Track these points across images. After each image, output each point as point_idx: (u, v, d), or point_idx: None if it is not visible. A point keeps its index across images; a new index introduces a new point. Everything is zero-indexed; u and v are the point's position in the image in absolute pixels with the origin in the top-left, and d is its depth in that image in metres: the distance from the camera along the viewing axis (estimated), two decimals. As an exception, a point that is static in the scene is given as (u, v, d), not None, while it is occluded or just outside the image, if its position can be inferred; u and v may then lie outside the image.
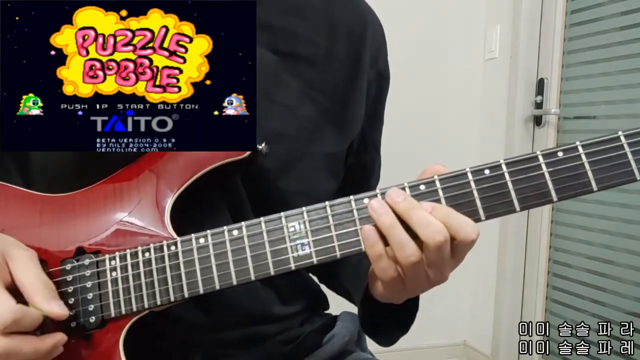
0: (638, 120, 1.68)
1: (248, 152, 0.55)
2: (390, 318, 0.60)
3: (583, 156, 0.49)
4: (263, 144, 0.55)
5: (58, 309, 0.49)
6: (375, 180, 0.77)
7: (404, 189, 0.50)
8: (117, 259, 0.53)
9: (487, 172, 0.50)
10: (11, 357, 0.46)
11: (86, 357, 0.52)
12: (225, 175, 0.58)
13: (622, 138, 0.49)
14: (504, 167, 0.49)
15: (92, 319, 0.52)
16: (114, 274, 0.53)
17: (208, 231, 0.52)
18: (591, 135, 0.50)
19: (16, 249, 0.51)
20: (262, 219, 0.51)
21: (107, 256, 0.53)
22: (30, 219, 0.55)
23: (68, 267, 0.53)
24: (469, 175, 0.50)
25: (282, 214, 0.51)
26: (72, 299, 0.53)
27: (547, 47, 1.98)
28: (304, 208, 0.51)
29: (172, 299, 0.52)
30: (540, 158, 0.49)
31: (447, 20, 2.11)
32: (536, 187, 0.49)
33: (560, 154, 0.49)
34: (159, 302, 0.52)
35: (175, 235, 0.54)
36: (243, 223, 0.52)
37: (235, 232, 0.52)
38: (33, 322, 0.48)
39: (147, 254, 0.53)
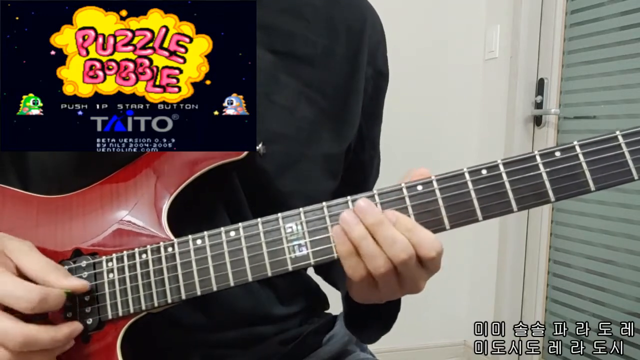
0: (638, 120, 1.68)
1: (245, 153, 0.55)
2: (372, 316, 0.60)
3: (581, 156, 0.48)
4: (260, 145, 0.55)
5: (78, 283, 0.50)
6: (373, 179, 0.77)
7: (401, 189, 0.50)
8: (114, 260, 0.53)
9: (484, 172, 0.49)
10: (30, 346, 0.46)
11: (84, 359, 0.52)
12: (223, 176, 0.58)
13: (620, 137, 0.48)
14: (501, 167, 0.49)
15: (90, 321, 0.52)
16: (111, 275, 0.53)
17: (205, 232, 0.52)
18: (591, 136, 0.49)
19: (12, 241, 0.51)
20: (259, 220, 0.51)
21: (104, 258, 0.53)
22: (26, 220, 0.55)
23: (65, 268, 0.53)
24: (467, 175, 0.49)
25: (280, 214, 0.51)
26: (69, 301, 0.52)
27: (547, 47, 1.98)
28: (301, 209, 0.51)
29: (170, 301, 0.52)
30: (538, 158, 0.49)
31: (447, 20, 2.11)
32: (534, 187, 0.49)
33: (557, 153, 0.49)
34: (156, 304, 0.52)
35: (172, 237, 0.53)
36: (240, 224, 0.51)
37: (232, 233, 0.51)
38: (58, 300, 0.48)
39: (144, 256, 0.53)
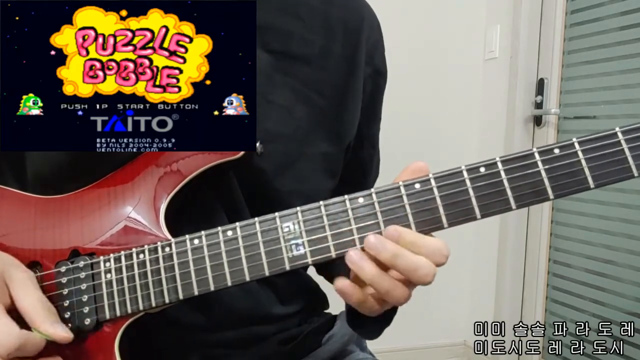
0: (638, 120, 1.68)
1: (241, 153, 0.55)
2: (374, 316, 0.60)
3: (580, 153, 0.48)
4: (258, 144, 0.55)
5: (63, 332, 0.49)
6: (373, 178, 0.77)
7: (399, 187, 0.50)
8: (112, 260, 0.53)
9: (482, 170, 0.49)
10: None
11: (82, 359, 0.52)
12: (220, 175, 0.58)
13: (620, 134, 0.48)
14: (499, 164, 0.49)
15: (87, 321, 0.52)
16: (108, 275, 0.53)
17: (202, 232, 0.52)
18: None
19: (16, 270, 0.50)
20: (256, 219, 0.51)
21: (101, 258, 0.53)
22: (24, 220, 0.55)
23: (63, 269, 0.53)
24: (465, 173, 0.49)
25: (277, 214, 0.51)
26: (67, 301, 0.52)
27: (547, 47, 1.98)
28: (298, 208, 0.51)
29: (167, 301, 0.52)
30: (537, 155, 0.48)
31: (447, 20, 2.11)
32: (532, 184, 0.48)
33: (556, 151, 0.48)
34: (153, 304, 0.52)
35: (169, 237, 0.53)
36: (237, 223, 0.51)
37: (229, 233, 0.51)
38: (36, 347, 0.48)
39: (141, 256, 0.52)
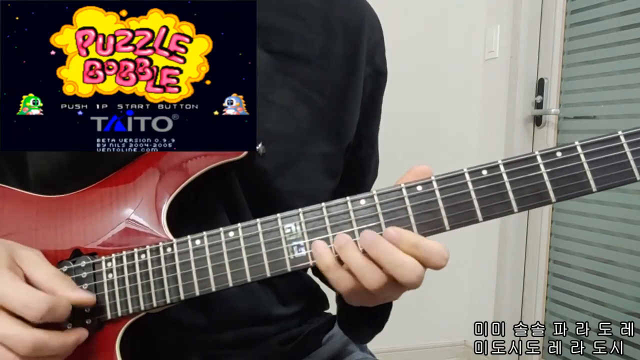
0: (638, 120, 1.68)
1: (244, 153, 0.55)
2: (365, 316, 0.60)
3: (582, 156, 0.48)
4: (260, 145, 0.55)
5: (85, 295, 0.50)
6: (371, 178, 0.77)
7: (401, 189, 0.50)
8: (114, 260, 0.53)
9: (484, 172, 0.49)
10: (40, 351, 0.46)
11: (83, 359, 0.52)
12: (222, 176, 0.58)
13: (622, 138, 0.48)
14: (501, 167, 0.49)
15: (89, 321, 0.52)
16: (110, 275, 0.53)
17: (204, 233, 0.52)
18: (591, 136, 0.49)
19: (22, 250, 0.51)
20: (258, 220, 0.51)
21: (103, 258, 0.53)
22: (26, 220, 0.55)
23: (64, 269, 0.53)
24: (467, 175, 0.49)
25: (278, 215, 0.51)
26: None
27: (547, 47, 1.98)
28: (300, 209, 0.51)
29: (168, 301, 0.52)
30: (539, 158, 0.48)
31: (447, 20, 2.11)
32: (534, 187, 0.48)
33: (559, 154, 0.48)
34: (155, 304, 0.52)
35: (171, 237, 0.53)
36: (239, 224, 0.51)
37: (231, 234, 0.51)
38: (65, 311, 0.48)
39: (143, 256, 0.53)
